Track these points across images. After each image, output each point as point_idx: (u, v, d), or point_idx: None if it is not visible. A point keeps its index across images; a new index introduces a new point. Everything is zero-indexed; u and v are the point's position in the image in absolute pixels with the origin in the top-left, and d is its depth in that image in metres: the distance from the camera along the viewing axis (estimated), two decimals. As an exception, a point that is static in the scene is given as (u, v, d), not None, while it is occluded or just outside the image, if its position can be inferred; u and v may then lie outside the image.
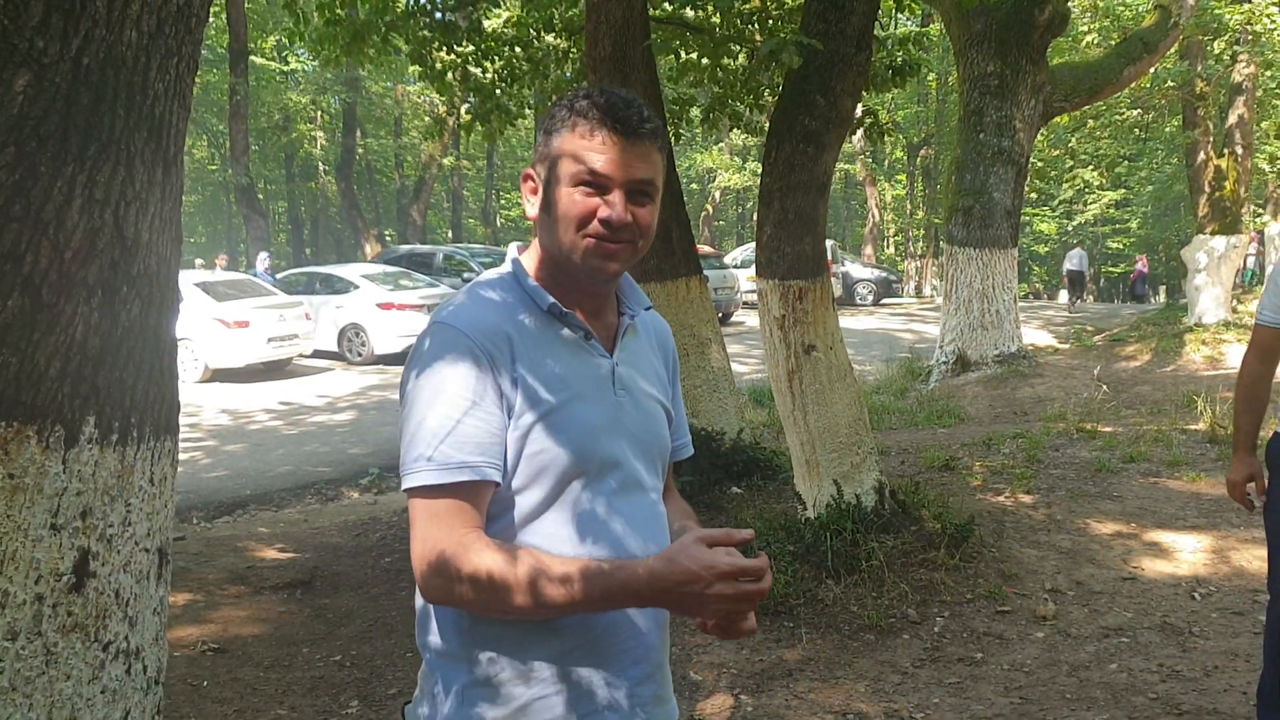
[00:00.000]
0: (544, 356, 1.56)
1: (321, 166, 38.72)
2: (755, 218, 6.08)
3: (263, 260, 19.29)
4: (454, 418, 1.48)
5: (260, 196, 31.40)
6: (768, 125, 5.63)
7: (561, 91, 8.41)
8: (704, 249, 23.58)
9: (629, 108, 1.53)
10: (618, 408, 1.62)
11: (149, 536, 1.84)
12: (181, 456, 8.92)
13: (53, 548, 1.67)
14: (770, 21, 7.57)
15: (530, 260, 1.65)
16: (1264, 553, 5.29)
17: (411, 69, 8.80)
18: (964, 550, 5.24)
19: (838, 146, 5.24)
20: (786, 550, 5.10)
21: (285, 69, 33.44)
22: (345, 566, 6.15)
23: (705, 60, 7.19)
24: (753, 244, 26.41)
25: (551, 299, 1.59)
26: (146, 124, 1.75)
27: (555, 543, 1.52)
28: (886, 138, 9.18)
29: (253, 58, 28.27)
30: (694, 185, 42.98)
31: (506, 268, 1.66)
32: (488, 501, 1.52)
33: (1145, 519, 6.06)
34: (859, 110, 6.89)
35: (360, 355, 16.67)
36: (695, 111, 9.28)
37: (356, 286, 16.97)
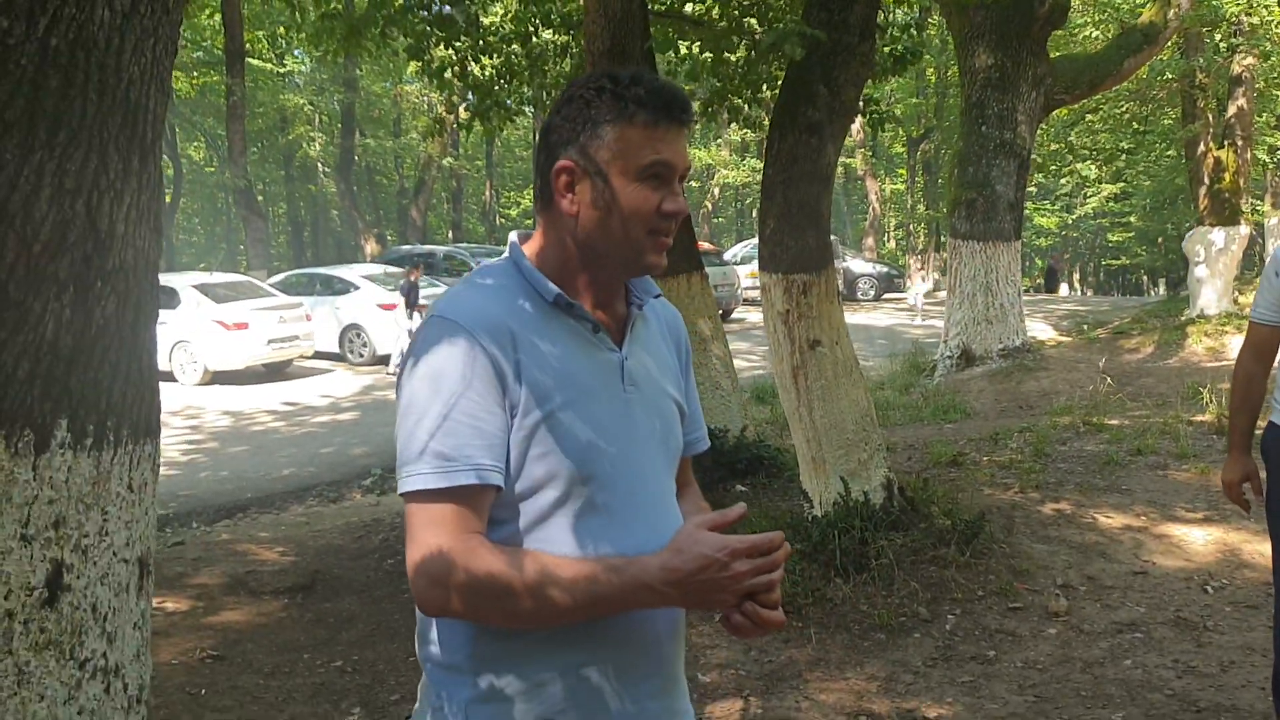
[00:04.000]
0: (549, 351, 1.46)
1: (321, 167, 38.62)
2: (755, 214, 5.99)
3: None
4: (453, 417, 1.38)
5: (260, 199, 31.29)
6: (768, 119, 5.54)
7: (561, 87, 8.30)
8: (704, 245, 23.45)
9: (679, 95, 1.48)
10: (627, 405, 1.52)
11: (128, 546, 1.74)
12: (182, 459, 8.83)
13: (23, 560, 1.57)
14: (770, 13, 7.47)
15: (533, 249, 1.55)
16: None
17: (409, 68, 8.73)
18: (974, 547, 5.15)
19: (841, 138, 5.15)
20: (794, 549, 5.01)
21: (281, 69, 33.29)
22: (347, 570, 6.05)
23: (706, 54, 7.08)
24: (752, 240, 26.39)
25: (557, 289, 1.49)
26: (121, 109, 1.65)
27: (563, 549, 1.43)
28: (886, 127, 9.07)
29: (249, 60, 28.13)
30: (694, 182, 42.80)
31: (506, 256, 1.57)
32: (489, 506, 1.43)
33: (1154, 512, 5.96)
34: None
35: (362, 356, 16.61)
36: (695, 106, 9.16)
37: (357, 287, 16.91)
